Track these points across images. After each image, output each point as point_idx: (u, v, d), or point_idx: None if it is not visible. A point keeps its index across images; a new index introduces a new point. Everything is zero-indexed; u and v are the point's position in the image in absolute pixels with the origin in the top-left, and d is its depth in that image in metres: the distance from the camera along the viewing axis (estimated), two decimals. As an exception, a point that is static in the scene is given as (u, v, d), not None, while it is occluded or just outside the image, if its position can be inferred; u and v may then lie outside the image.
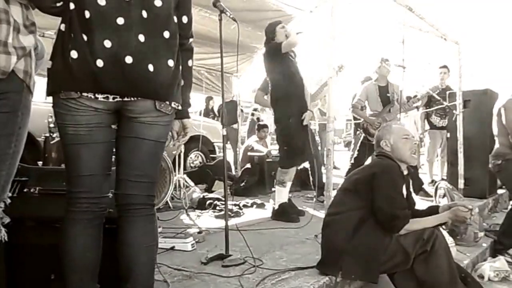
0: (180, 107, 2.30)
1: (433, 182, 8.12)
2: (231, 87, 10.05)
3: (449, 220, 3.20)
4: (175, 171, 6.12)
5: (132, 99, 2.10)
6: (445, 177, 7.89)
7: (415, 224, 3.09)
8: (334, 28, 4.25)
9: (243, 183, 7.51)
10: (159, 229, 3.95)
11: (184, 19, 2.31)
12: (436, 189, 5.69)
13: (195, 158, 8.22)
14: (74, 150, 2.15)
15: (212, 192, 7.02)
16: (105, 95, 2.07)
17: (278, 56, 5.38)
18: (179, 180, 6.41)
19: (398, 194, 3.14)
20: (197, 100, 11.10)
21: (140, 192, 2.21)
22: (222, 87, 3.94)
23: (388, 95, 7.09)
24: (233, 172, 8.52)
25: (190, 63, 2.40)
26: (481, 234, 4.97)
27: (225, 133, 3.88)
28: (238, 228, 4.02)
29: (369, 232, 3.08)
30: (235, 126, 10.22)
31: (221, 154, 8.21)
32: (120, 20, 2.04)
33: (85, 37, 2.00)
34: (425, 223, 3.12)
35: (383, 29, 7.72)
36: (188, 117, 2.47)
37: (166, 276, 3.12)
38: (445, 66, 8.41)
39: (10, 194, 2.05)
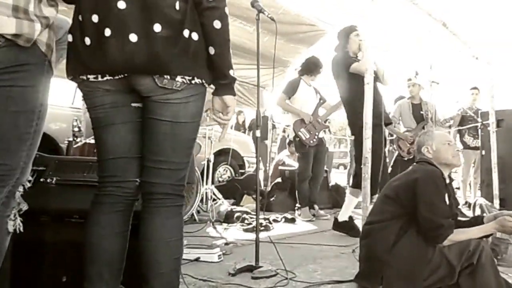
0: (199, 81, 1.94)
1: (467, 203, 7.96)
2: (262, 102, 9.86)
3: (495, 231, 2.97)
4: (203, 182, 5.90)
5: (122, 76, 1.87)
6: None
7: (459, 235, 2.85)
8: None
9: (272, 198, 7.27)
10: (184, 242, 3.77)
11: None
12: (474, 207, 5.42)
13: (224, 172, 8.03)
14: (96, 134, 2.06)
15: (240, 206, 6.79)
16: (94, 75, 1.89)
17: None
18: (206, 192, 6.18)
19: (442, 201, 2.92)
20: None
21: (162, 181, 1.97)
22: (258, 89, 3.75)
23: (421, 112, 7.15)
24: (263, 188, 8.29)
25: (217, 24, 1.93)
26: (522, 254, 4.64)
27: (258, 134, 3.61)
28: (271, 240, 3.78)
29: (411, 242, 2.85)
30: (266, 141, 10.04)
31: (251, 169, 8.08)
32: None
33: (80, 17, 1.89)
34: (470, 234, 2.87)
35: (415, 47, 7.59)
36: (229, 93, 2.05)
37: (190, 287, 2.91)
38: (475, 88, 8.41)
39: (31, 178, 1.86)
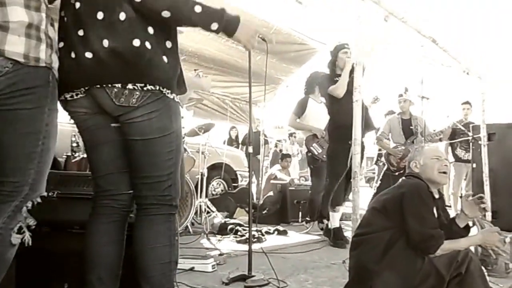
0: (152, 87, 2.03)
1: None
2: (254, 118, 10.01)
3: (480, 243, 3.11)
4: (197, 195, 6.02)
5: (84, 93, 2.06)
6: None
7: (447, 245, 2.93)
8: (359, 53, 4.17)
9: (265, 211, 7.40)
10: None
11: None
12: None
13: (217, 186, 8.13)
14: (87, 155, 2.29)
15: (233, 219, 6.88)
16: (69, 94, 2.08)
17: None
18: (200, 205, 6.30)
19: (429, 213, 2.99)
20: (221, 129, 11.15)
21: (146, 193, 2.15)
22: (250, 106, 3.88)
23: (411, 127, 7.21)
24: (255, 201, 8.40)
25: (168, 12, 2.02)
26: (512, 265, 4.76)
27: (250, 150, 3.73)
28: (263, 250, 3.89)
29: (400, 253, 2.92)
30: (258, 156, 10.17)
31: (244, 183, 8.21)
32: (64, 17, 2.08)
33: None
34: (458, 245, 2.96)
35: (405, 64, 7.75)
36: (232, 33, 2.18)
37: (185, 294, 3.01)
38: (467, 102, 8.48)
39: (45, 194, 1.96)
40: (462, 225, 3.15)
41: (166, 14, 2.01)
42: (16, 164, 1.84)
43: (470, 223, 5.01)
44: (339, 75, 5.51)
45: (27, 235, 1.88)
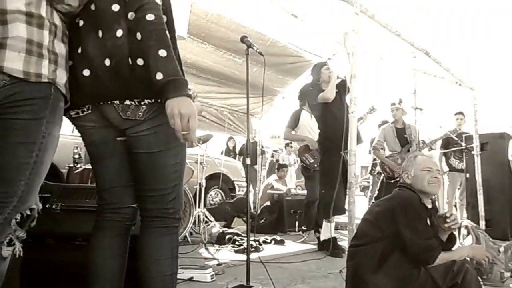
0: (149, 101, 1.99)
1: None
2: (251, 128, 10.12)
3: (469, 256, 3.12)
4: (195, 205, 6.09)
5: (89, 109, 2.09)
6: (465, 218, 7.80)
7: (441, 255, 2.97)
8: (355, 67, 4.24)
9: (262, 220, 7.47)
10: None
11: None
12: (459, 228, 5.57)
13: (215, 196, 8.21)
14: (92, 168, 2.30)
15: (231, 228, 6.95)
16: (75, 111, 2.12)
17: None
18: (199, 215, 6.37)
19: (423, 224, 3.02)
20: (219, 140, 11.28)
21: (151, 206, 2.16)
22: (247, 118, 3.95)
23: (405, 136, 7.27)
24: (252, 210, 8.47)
25: (138, 36, 1.92)
26: (507, 274, 4.82)
27: (248, 161, 3.78)
28: (261, 260, 3.93)
29: (396, 263, 2.95)
30: (255, 166, 10.27)
31: (241, 193, 8.29)
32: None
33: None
34: (450, 255, 3.00)
35: (399, 75, 7.86)
36: (169, 97, 1.86)
37: (185, 304, 3.06)
38: (460, 113, 8.58)
39: (34, 206, 1.90)
40: (444, 237, 3.17)
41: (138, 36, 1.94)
42: (6, 174, 1.79)
43: (465, 232, 5.12)
44: (323, 89, 5.78)
45: (18, 247, 1.84)
